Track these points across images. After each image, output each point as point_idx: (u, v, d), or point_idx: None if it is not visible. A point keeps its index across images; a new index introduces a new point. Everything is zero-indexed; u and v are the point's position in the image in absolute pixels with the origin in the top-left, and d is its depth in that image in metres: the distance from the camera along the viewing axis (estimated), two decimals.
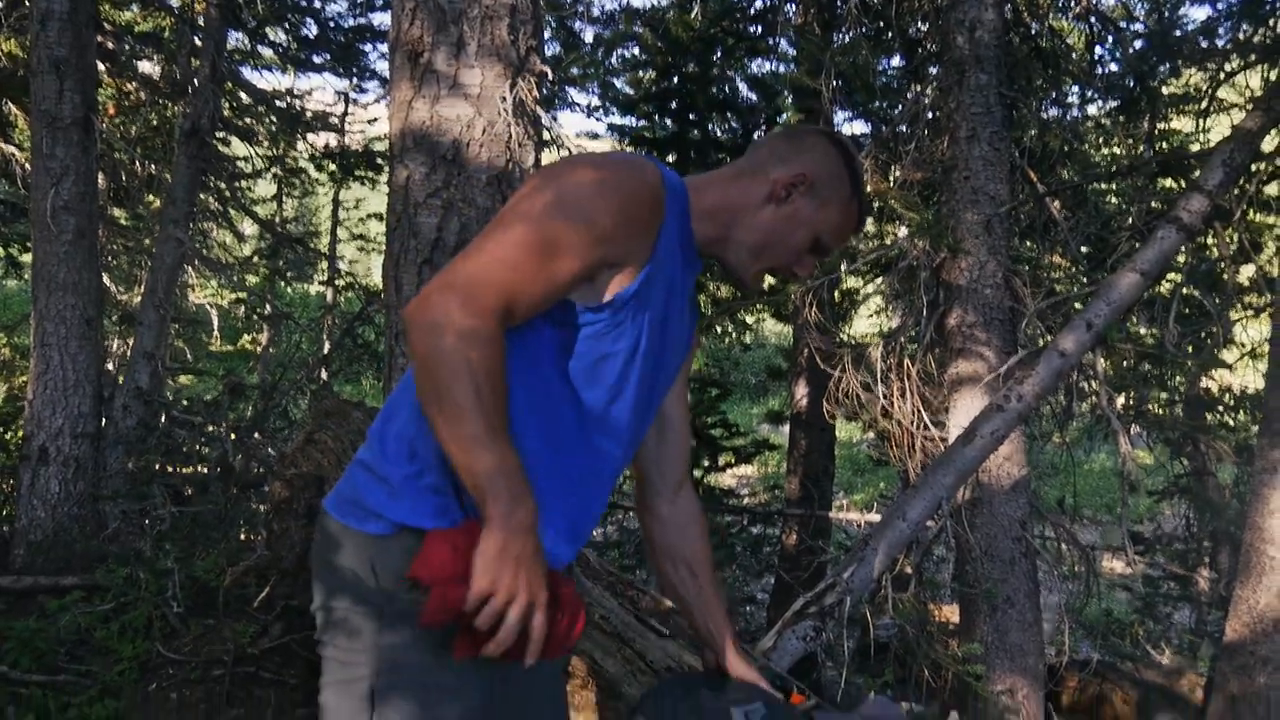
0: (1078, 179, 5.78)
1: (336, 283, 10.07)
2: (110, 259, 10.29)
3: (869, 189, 1.65)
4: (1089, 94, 5.89)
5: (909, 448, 5.30)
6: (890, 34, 6.53)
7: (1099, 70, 5.95)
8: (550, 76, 3.21)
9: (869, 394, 5.38)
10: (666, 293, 1.54)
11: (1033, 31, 5.65)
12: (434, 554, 1.39)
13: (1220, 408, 7.38)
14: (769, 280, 1.75)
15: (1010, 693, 4.92)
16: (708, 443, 7.58)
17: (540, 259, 1.37)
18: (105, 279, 11.00)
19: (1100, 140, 6.70)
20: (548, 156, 3.29)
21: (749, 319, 12.12)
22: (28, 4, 5.53)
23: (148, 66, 9.08)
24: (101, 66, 8.67)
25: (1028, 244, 5.92)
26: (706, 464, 7.71)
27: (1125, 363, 5.73)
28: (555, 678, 1.68)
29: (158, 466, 6.16)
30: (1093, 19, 6.01)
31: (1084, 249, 5.94)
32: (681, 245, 1.56)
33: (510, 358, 1.43)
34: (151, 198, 9.47)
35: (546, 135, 3.42)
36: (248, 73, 9.37)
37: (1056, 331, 4.54)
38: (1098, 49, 6.17)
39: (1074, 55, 5.74)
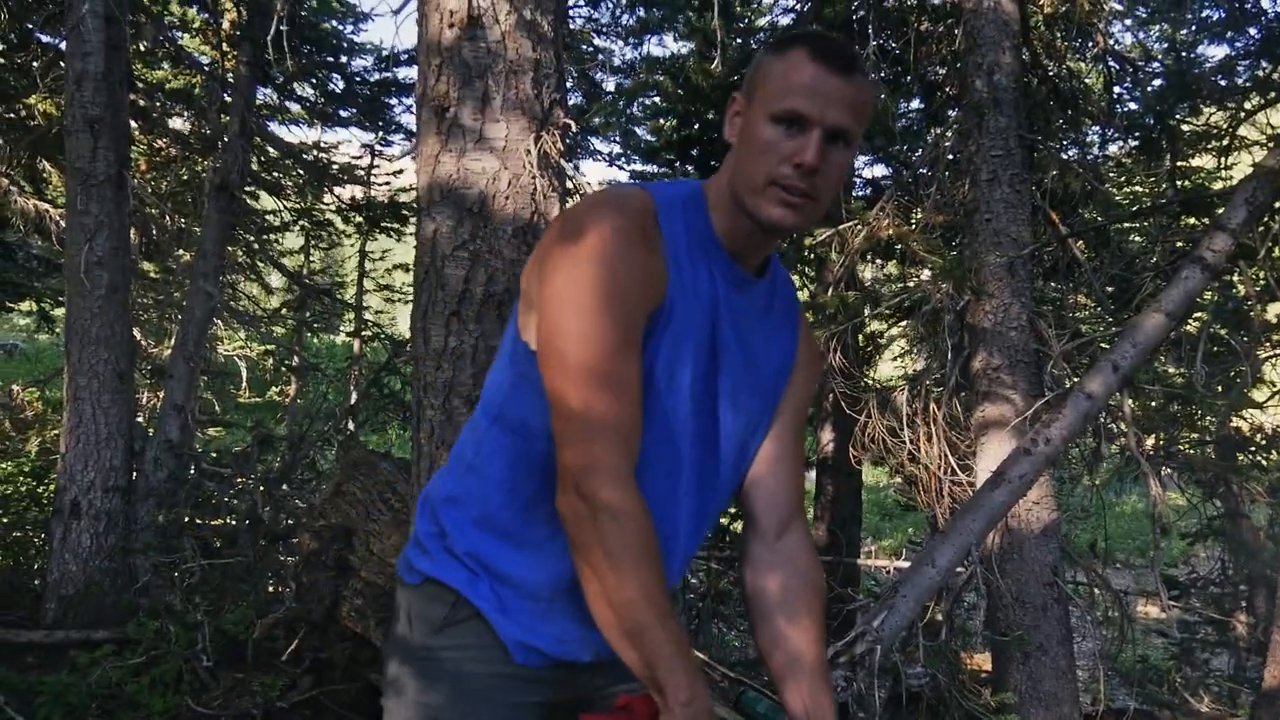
0: (1100, 219, 5.78)
1: (363, 333, 10.17)
2: (141, 313, 10.43)
3: (813, 46, 1.27)
4: (1109, 134, 5.90)
5: (936, 493, 5.27)
6: (909, 78, 6.58)
7: (1118, 110, 5.97)
8: (573, 128, 3.25)
9: (895, 439, 5.35)
10: (700, 308, 1.45)
11: (1051, 73, 5.68)
12: None
13: (1252, 448, 7.28)
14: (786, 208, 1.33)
15: None
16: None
17: (619, 384, 1.34)
18: (136, 333, 11.16)
19: (1122, 180, 6.70)
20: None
21: None
22: (63, 65, 5.66)
23: (178, 123, 9.27)
24: (134, 124, 8.87)
25: (1051, 285, 5.90)
26: (733, 511, 7.66)
27: (1154, 404, 5.69)
28: None
29: (187, 519, 6.19)
30: (1110, 59, 6.04)
31: (1108, 289, 5.93)
32: (705, 252, 1.46)
33: (519, 425, 1.47)
34: (182, 252, 9.62)
35: (570, 185, 3.47)
36: (276, 128, 9.54)
37: (1083, 374, 4.52)
38: (1116, 89, 6.20)
39: (1093, 96, 5.76)
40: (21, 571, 6.41)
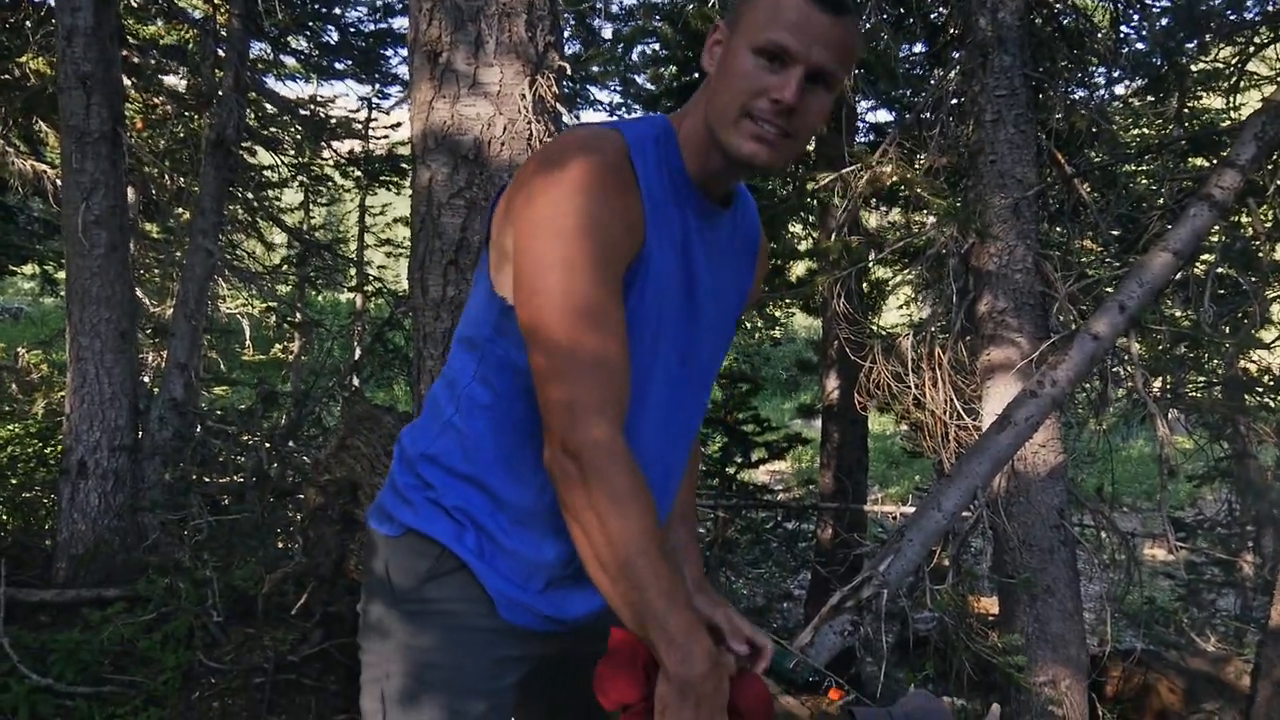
0: (1106, 159, 5.69)
1: (365, 289, 10.14)
2: (143, 273, 10.41)
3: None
4: (1115, 73, 5.80)
5: (942, 438, 5.25)
6: (911, 19, 6.47)
7: (1125, 49, 5.85)
8: (569, 73, 3.20)
9: (900, 384, 5.33)
10: (676, 252, 1.42)
11: (1056, 11, 5.57)
12: (613, 685, 1.42)
13: (1260, 389, 7.24)
14: (761, 140, 1.34)
15: (1053, 684, 4.86)
16: (739, 438, 7.54)
17: (605, 333, 1.29)
18: (139, 293, 11.15)
19: (1129, 121, 6.60)
20: None
21: (777, 313, 12.07)
22: (54, 22, 5.59)
23: (174, 80, 9.17)
24: (128, 81, 8.78)
25: (1057, 228, 5.83)
26: (739, 460, 7.67)
27: (1160, 345, 5.65)
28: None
29: (194, 477, 6.21)
30: None
31: (1115, 231, 5.86)
32: (676, 191, 1.42)
33: (501, 384, 1.44)
34: (181, 210, 9.57)
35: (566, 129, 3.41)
36: (273, 83, 9.45)
37: (1089, 315, 4.48)
38: (1123, 27, 6.07)
39: (1099, 34, 5.65)
40: (32, 532, 6.45)
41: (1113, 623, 5.60)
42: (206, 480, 6.44)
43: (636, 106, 10.05)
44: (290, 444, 6.80)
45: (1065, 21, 5.56)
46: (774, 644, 1.82)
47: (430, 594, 1.46)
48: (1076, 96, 5.63)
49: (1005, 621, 5.17)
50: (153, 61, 8.34)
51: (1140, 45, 6.36)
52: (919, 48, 7.67)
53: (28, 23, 7.24)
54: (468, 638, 1.47)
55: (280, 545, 5.88)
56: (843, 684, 3.47)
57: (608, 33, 9.99)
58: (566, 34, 11.10)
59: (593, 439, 1.25)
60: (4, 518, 6.63)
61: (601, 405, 1.27)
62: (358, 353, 9.20)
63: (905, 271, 6.73)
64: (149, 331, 9.10)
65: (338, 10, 8.20)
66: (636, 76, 9.90)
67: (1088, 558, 5.50)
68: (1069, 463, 5.24)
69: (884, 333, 5.86)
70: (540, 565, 1.47)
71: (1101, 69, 5.92)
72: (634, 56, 9.24)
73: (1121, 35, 6.12)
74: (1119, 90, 6.81)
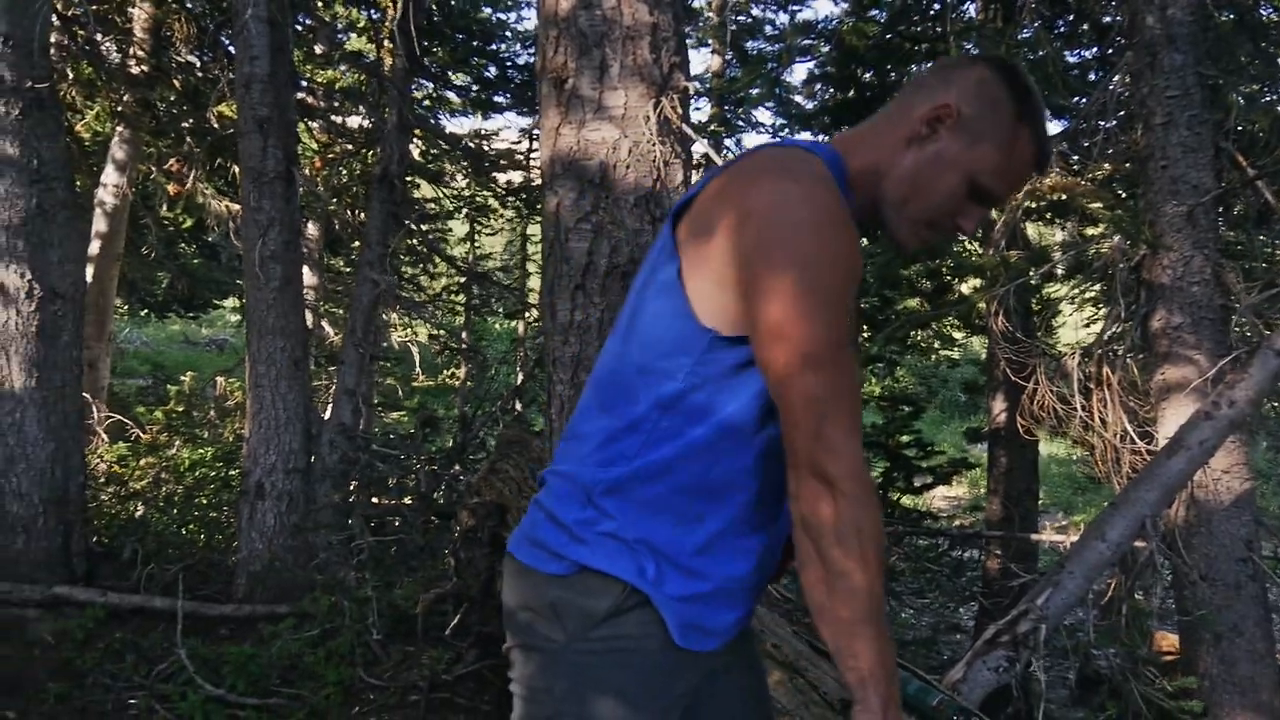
0: None
1: (526, 315, 10.39)
2: (326, 305, 10.99)
3: (1040, 146, 1.33)
4: None
5: (1114, 463, 4.92)
6: (1078, 22, 6.16)
7: None
8: (692, 91, 3.18)
9: (1067, 406, 5.03)
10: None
11: (1234, 3, 5.17)
12: None
13: None
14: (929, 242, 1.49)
15: None
16: (901, 463, 7.30)
17: (851, 367, 1.31)
18: (324, 324, 11.78)
19: None
20: (696, 175, 3.25)
21: (956, 334, 11.64)
22: (233, 71, 5.97)
23: (354, 121, 9.68)
24: (310, 124, 9.33)
25: (1241, 236, 5.40)
26: (902, 485, 7.43)
27: None
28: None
29: (358, 498, 6.46)
30: None
31: None
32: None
33: (694, 416, 1.41)
34: (358, 244, 10.06)
35: (699, 152, 3.39)
36: (445, 121, 9.86)
37: (1276, 329, 4.11)
38: None
39: None
40: (217, 550, 6.85)
41: None
42: (375, 502, 6.69)
43: (797, 126, 9.95)
44: (456, 467, 6.99)
45: (1245, 14, 5.15)
46: (918, 680, 1.75)
47: (601, 634, 1.41)
48: (1258, 91, 5.19)
49: (1187, 663, 4.78)
50: (334, 104, 8.83)
51: None
52: (1089, 54, 7.29)
53: (216, 71, 7.77)
54: (649, 674, 1.42)
55: (440, 567, 6.03)
56: None
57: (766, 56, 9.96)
58: (728, 58, 11.16)
59: (845, 485, 1.25)
60: (194, 536, 7.08)
61: (855, 452, 1.27)
62: (520, 378, 9.43)
63: (1076, 288, 6.37)
64: (323, 360, 9.58)
65: (494, 46, 8.45)
66: (796, 96, 9.82)
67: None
68: (1259, 489, 4.81)
69: (1047, 351, 5.54)
70: (725, 581, 1.46)
71: None
72: (789, 77, 9.16)
73: None
74: None
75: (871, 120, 1.49)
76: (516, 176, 8.83)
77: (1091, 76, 7.46)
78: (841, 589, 1.25)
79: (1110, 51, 6.45)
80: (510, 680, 1.53)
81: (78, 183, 8.66)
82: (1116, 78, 5.11)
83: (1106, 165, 4.95)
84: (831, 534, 1.25)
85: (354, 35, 9.84)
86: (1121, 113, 5.37)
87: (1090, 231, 6.50)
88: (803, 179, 1.31)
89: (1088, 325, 9.37)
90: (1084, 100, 7.35)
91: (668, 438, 1.41)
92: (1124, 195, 6.06)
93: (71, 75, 8.38)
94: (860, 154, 1.44)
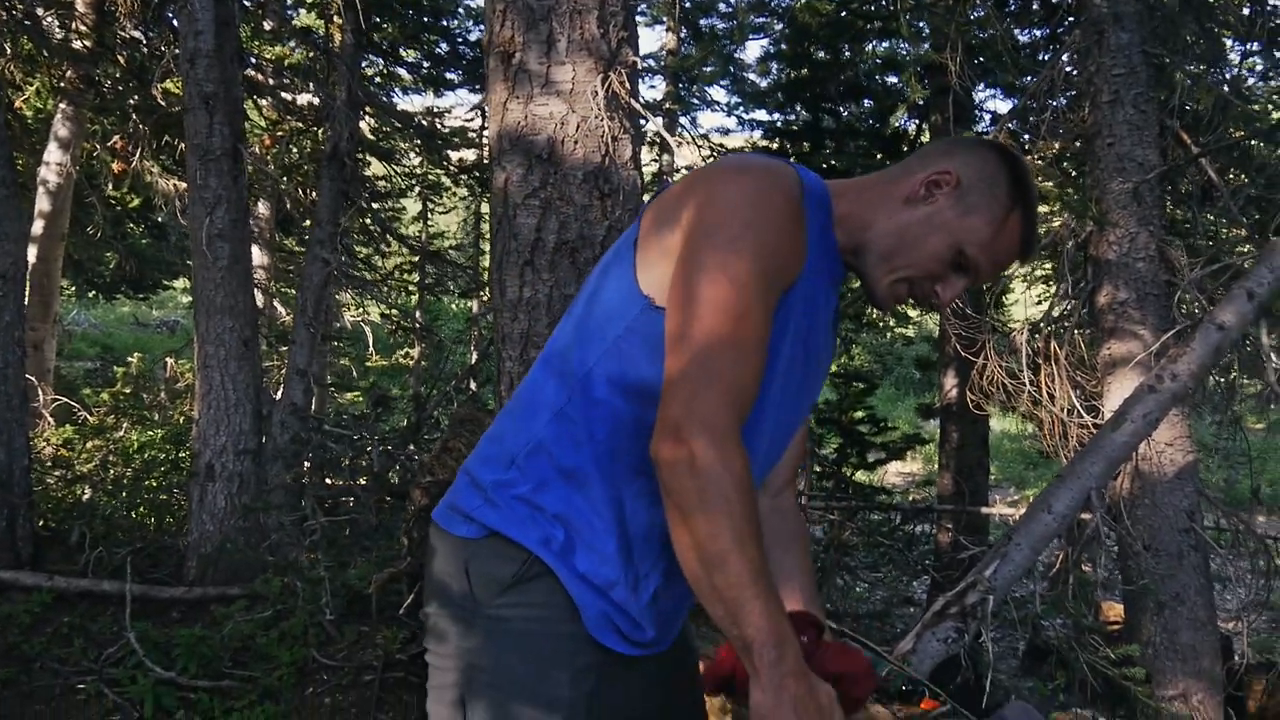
0: (1239, 135, 5.31)
1: (480, 294, 10.32)
2: (277, 285, 10.86)
3: (1027, 233, 1.43)
4: (1249, 47, 5.40)
5: (1062, 437, 5.00)
6: (1028, 1, 6.20)
7: (1258, 21, 5.44)
8: (639, 65, 3.16)
9: (1015, 381, 5.09)
10: (807, 304, 1.43)
11: None
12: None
13: None
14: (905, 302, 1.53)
15: (1183, 698, 4.55)
16: (854, 439, 7.36)
17: (751, 347, 1.29)
18: (276, 304, 11.63)
19: (1267, 99, 6.15)
20: (646, 151, 3.24)
21: (911, 311, 11.75)
22: (179, 46, 5.85)
23: (304, 98, 9.53)
24: (259, 100, 9.17)
25: (1180, 212, 5.48)
26: (855, 461, 7.49)
27: None
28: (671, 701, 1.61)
29: (311, 479, 6.40)
30: None
31: (1256, 217, 5.47)
32: (826, 255, 1.45)
33: (616, 385, 1.41)
34: (309, 223, 9.93)
35: (650, 129, 3.38)
36: (398, 98, 9.72)
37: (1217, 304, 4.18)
38: None
39: (1232, 3, 5.28)
40: (168, 532, 6.77)
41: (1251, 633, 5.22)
42: (328, 482, 6.63)
43: (752, 105, 9.94)
44: (410, 447, 6.93)
45: None
46: (868, 653, 1.77)
47: (509, 600, 1.41)
48: (1203, 72, 5.26)
49: (1130, 631, 4.88)
50: (271, 82, 8.68)
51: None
52: (1037, 34, 7.35)
53: (162, 46, 7.60)
54: (546, 648, 1.41)
55: (395, 547, 6.00)
56: (938, 693, 3.32)
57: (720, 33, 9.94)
58: (682, 35, 11.13)
59: (710, 454, 1.22)
60: (143, 519, 6.98)
61: (727, 426, 1.25)
62: (474, 357, 9.37)
63: (1027, 265, 6.44)
64: (273, 340, 9.46)
65: (445, 22, 8.34)
66: (749, 74, 9.80)
67: (1222, 563, 5.13)
68: (1202, 463, 4.91)
69: (995, 326, 5.61)
70: (620, 550, 1.44)
71: (1236, 43, 5.54)
72: (743, 54, 9.17)
73: (1259, 4, 5.70)
74: (1258, 65, 6.37)
75: (870, 175, 1.54)
76: (470, 154, 8.74)
77: (1041, 56, 7.53)
78: (702, 544, 1.23)
79: (1060, 30, 6.51)
80: (425, 649, 1.53)
81: (19, 161, 8.47)
82: (1065, 56, 5.16)
83: (1056, 144, 4.99)
84: (695, 499, 1.22)
85: (303, 11, 9.67)
86: (1070, 91, 5.43)
87: (1040, 209, 6.55)
88: (762, 177, 1.35)
89: (1039, 302, 9.51)
90: (1033, 78, 7.44)
91: (591, 400, 1.42)
92: (1073, 173, 6.15)
93: (11, 50, 8.17)
94: (850, 200, 1.48)
